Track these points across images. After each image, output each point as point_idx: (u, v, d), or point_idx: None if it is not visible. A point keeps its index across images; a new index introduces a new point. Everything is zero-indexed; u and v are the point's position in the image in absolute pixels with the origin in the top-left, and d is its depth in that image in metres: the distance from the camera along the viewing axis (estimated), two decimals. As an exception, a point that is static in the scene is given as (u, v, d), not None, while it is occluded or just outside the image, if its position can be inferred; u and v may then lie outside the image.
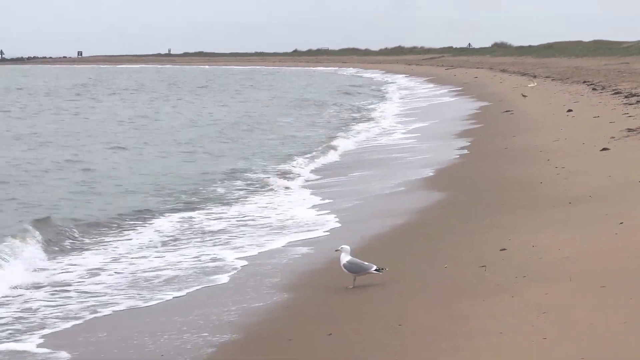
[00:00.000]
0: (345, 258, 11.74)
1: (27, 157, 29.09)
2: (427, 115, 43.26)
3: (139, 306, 11.94)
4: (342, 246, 11.91)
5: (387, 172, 23.66)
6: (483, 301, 10.08)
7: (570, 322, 8.85)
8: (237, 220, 17.93)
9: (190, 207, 19.76)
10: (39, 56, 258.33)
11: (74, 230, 16.94)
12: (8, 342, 10.58)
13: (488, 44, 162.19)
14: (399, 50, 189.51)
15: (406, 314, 10.16)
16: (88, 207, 19.64)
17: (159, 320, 11.17)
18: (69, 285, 13.21)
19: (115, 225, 17.72)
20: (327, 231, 16.19)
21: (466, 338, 8.86)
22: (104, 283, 13.25)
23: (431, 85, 76.04)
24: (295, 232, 16.32)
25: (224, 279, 13.16)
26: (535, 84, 55.04)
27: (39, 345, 10.39)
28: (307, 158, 28.10)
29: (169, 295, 12.40)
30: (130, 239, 16.48)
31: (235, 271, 13.57)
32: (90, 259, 14.92)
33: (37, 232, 15.98)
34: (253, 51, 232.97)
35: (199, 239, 16.25)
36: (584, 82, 51.07)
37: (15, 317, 11.55)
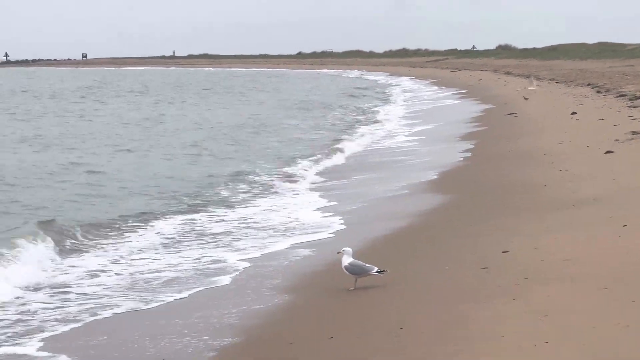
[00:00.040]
0: (346, 260, 11.76)
1: (32, 159, 29.07)
2: (431, 117, 43.22)
3: (139, 308, 11.90)
4: (344, 248, 11.94)
5: (391, 174, 23.64)
6: (484, 303, 10.03)
7: (572, 325, 8.80)
8: (240, 223, 17.90)
9: (193, 209, 19.71)
10: (44, 58, 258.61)
11: (77, 232, 16.89)
12: (7, 345, 10.54)
13: (489, 44, 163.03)
14: (403, 53, 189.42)
15: (407, 316, 10.13)
16: (92, 210, 19.62)
17: (160, 323, 11.13)
18: (69, 287, 13.18)
19: (117, 227, 17.68)
20: (332, 233, 16.19)
21: (467, 341, 8.82)
22: (104, 285, 13.22)
23: (435, 87, 75.97)
24: (300, 234, 16.31)
25: (225, 280, 13.14)
26: (535, 86, 54.95)
27: (39, 349, 10.34)
28: (312, 160, 28.06)
29: (169, 297, 12.37)
30: (131, 241, 16.45)
31: (236, 273, 13.54)
32: (91, 260, 14.90)
33: (41, 234, 15.93)
34: (256, 52, 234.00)
35: (201, 241, 16.22)
36: (588, 84, 51.00)
37: (15, 320, 11.50)
